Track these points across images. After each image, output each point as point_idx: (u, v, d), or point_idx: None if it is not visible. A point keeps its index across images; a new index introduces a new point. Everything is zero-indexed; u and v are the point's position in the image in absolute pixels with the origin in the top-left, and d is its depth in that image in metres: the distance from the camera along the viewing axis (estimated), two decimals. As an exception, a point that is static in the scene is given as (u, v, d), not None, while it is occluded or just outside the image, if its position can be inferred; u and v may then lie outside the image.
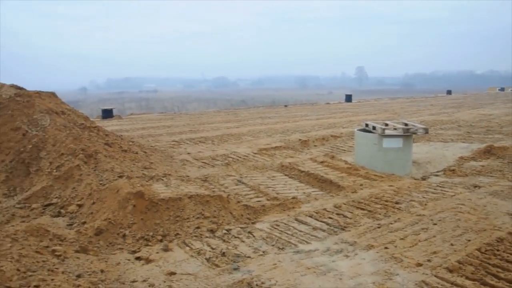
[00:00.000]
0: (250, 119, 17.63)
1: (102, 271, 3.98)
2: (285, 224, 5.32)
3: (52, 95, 9.40)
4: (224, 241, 4.77)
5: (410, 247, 4.51)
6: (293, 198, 6.25)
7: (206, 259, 4.32)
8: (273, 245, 4.67)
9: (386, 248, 4.50)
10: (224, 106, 31.66)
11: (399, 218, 5.42)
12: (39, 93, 9.01)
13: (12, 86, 9.71)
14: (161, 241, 4.72)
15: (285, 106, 26.13)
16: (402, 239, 4.74)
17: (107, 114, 19.15)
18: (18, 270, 3.30)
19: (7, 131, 7.55)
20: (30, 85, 10.27)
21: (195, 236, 4.86)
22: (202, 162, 8.83)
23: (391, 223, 5.26)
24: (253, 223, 5.36)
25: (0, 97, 8.59)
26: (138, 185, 5.55)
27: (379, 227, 5.13)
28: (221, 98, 56.89)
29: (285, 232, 5.04)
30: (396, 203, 6.05)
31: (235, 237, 4.89)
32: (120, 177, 6.28)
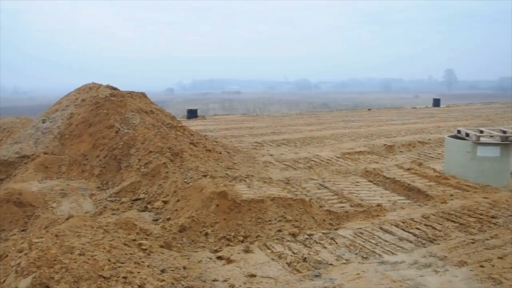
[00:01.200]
0: (333, 122, 17.29)
1: (184, 267, 4.04)
2: (369, 232, 5.08)
3: (143, 95, 9.86)
4: (305, 246, 4.65)
5: (511, 268, 4.08)
6: (378, 205, 5.96)
7: (287, 263, 4.23)
8: (356, 254, 4.47)
9: (481, 266, 4.11)
10: (306, 109, 31.45)
11: (496, 235, 4.95)
12: (131, 93, 9.50)
13: (108, 86, 10.34)
14: (242, 242, 4.70)
15: (369, 109, 25.38)
16: (500, 258, 4.30)
17: (192, 114, 19.74)
18: (109, 260, 3.43)
19: (102, 129, 8.03)
20: (125, 86, 10.89)
21: (277, 239, 4.79)
22: (284, 165, 8.76)
23: (487, 239, 4.81)
24: (335, 229, 5.18)
25: (98, 96, 9.17)
26: (222, 185, 5.60)
27: (472, 243, 4.71)
28: (303, 100, 56.67)
29: (369, 241, 4.80)
30: (493, 217, 5.53)
31: (317, 243, 4.74)
32: (204, 176, 6.39)
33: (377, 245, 4.68)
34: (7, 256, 3.29)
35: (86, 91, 10.29)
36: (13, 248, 3.37)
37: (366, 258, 4.36)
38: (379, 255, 4.43)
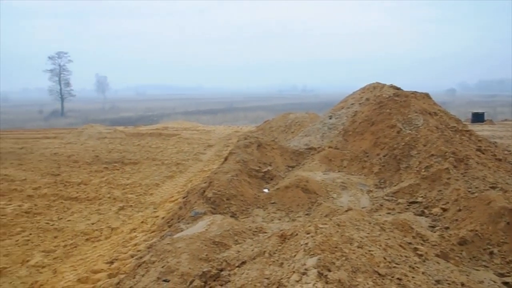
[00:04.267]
0: None
1: (462, 284, 3.72)
2: None
3: (426, 96, 9.53)
4: None
5: None
6: None
7: None
8: None
9: None
10: None
11: None
12: (414, 94, 9.31)
13: (391, 86, 10.42)
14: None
15: None
16: None
17: (478, 118, 18.08)
18: (384, 258, 3.47)
19: (383, 128, 8.15)
20: (404, 85, 10.77)
21: None
22: None
23: None
24: None
25: (381, 96, 9.35)
26: (514, 200, 4.91)
27: None
28: None
29: None
30: None
31: None
32: (493, 188, 5.74)
33: None
34: (297, 234, 3.71)
35: (370, 91, 10.64)
36: (302, 229, 3.77)
37: None
38: None
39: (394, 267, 3.46)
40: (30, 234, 8.30)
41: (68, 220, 9.09)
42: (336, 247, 3.41)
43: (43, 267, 6.81)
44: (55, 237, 8.13)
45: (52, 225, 8.79)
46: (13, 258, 7.17)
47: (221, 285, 3.48)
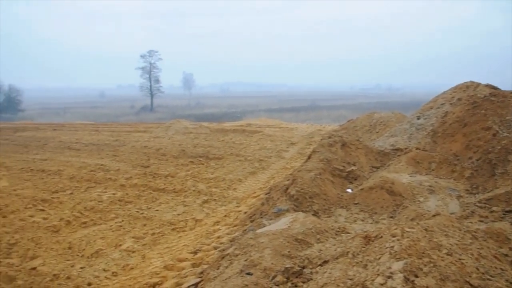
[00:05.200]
0: None
1: None
2: None
3: (529, 96, 8.80)
4: None
5: None
6: None
7: None
8: None
9: None
10: None
11: None
12: (514, 94, 8.64)
13: (487, 85, 9.76)
14: None
15: None
16: None
17: None
18: (477, 269, 3.28)
19: (477, 130, 7.67)
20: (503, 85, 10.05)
21: None
22: None
23: None
24: None
25: (475, 96, 8.80)
26: None
27: None
28: None
29: None
30: None
31: None
32: None
33: None
34: (382, 237, 3.63)
35: (463, 90, 10.05)
36: (387, 232, 3.68)
37: None
38: None
39: (488, 279, 3.26)
40: (122, 220, 8.92)
41: (156, 210, 9.62)
42: (423, 253, 3.29)
43: (133, 252, 7.29)
44: (144, 225, 8.65)
45: (141, 213, 9.37)
46: (108, 241, 7.76)
47: (303, 282, 3.51)
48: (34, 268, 6.75)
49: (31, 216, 9.35)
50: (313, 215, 5.52)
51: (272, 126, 27.33)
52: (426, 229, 3.79)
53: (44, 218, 9.18)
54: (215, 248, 6.45)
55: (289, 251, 4.04)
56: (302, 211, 5.63)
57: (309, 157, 8.15)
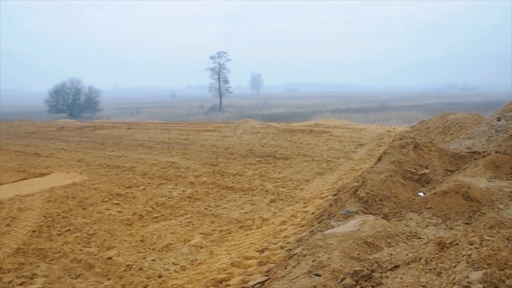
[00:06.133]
0: None
1: None
2: None
3: None
4: None
5: None
6: None
7: None
8: None
9: None
10: None
11: None
12: None
13: None
14: None
15: None
16: None
17: None
18: None
19: None
20: None
21: None
22: None
23: None
24: None
25: None
26: None
27: None
28: None
29: None
30: None
31: None
32: None
33: None
34: (457, 244, 3.46)
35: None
36: (463, 239, 3.50)
37: None
38: None
39: None
40: (191, 217, 9.18)
41: (224, 208, 9.81)
42: (505, 264, 3.10)
43: (202, 247, 7.48)
44: (212, 222, 8.85)
45: (210, 210, 9.59)
46: (178, 236, 8.03)
47: (373, 286, 3.43)
48: (110, 258, 7.17)
49: (108, 209, 9.93)
50: (383, 218, 5.37)
51: (340, 126, 26.89)
52: (508, 238, 3.56)
53: (119, 212, 9.71)
54: (281, 247, 6.47)
55: (358, 254, 3.97)
56: (372, 213, 5.50)
57: (379, 159, 7.94)
